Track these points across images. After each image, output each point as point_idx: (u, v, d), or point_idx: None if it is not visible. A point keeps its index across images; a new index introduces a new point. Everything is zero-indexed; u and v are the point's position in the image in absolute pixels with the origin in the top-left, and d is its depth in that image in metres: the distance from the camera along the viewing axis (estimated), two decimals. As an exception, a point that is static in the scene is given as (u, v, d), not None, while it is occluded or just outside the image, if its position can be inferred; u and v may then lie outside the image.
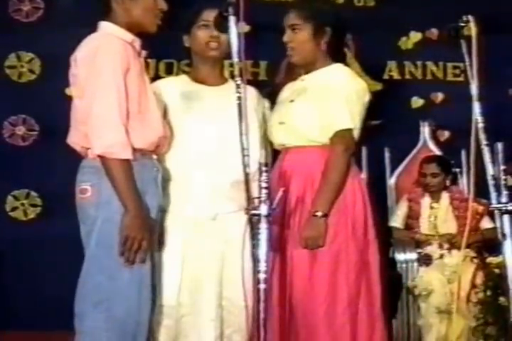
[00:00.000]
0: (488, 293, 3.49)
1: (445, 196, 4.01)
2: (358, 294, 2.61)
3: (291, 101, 2.73)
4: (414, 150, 4.31)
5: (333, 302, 2.58)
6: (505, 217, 2.17)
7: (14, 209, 4.17)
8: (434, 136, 4.40)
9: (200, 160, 2.58)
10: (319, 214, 2.55)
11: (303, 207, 2.62)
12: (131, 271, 2.25)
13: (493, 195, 2.17)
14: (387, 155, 4.22)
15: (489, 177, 2.16)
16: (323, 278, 2.58)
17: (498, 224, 2.20)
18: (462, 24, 2.31)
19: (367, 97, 2.70)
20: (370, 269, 2.66)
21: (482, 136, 2.20)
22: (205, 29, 2.65)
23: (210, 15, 2.60)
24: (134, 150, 2.28)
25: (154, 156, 2.43)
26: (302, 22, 2.69)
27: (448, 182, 4.02)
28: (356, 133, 2.66)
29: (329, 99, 2.62)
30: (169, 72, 4.25)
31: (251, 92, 2.62)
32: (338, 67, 2.71)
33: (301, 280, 2.59)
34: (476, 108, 2.24)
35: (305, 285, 2.58)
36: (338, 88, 2.63)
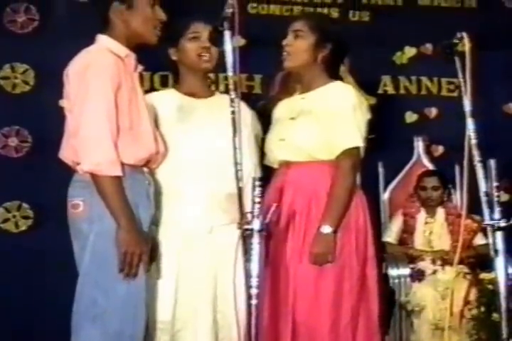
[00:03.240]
0: (482, 309, 3.48)
1: (440, 211, 4.02)
2: (358, 309, 2.65)
3: (292, 118, 2.74)
4: (408, 165, 4.31)
5: (337, 318, 2.61)
6: (498, 234, 2.18)
7: (5, 221, 4.13)
8: (428, 151, 4.40)
9: (193, 172, 2.59)
10: (329, 230, 2.57)
11: (308, 222, 2.65)
12: (126, 285, 2.25)
13: (486, 211, 2.18)
14: (380, 170, 4.23)
15: (482, 194, 2.17)
16: (329, 293, 2.61)
17: (490, 241, 2.20)
18: (456, 41, 2.33)
19: (369, 115, 2.74)
20: (368, 285, 2.69)
21: (475, 153, 2.21)
22: (195, 41, 2.65)
23: (199, 27, 2.62)
24: (125, 165, 2.28)
25: (145, 169, 2.42)
26: (307, 30, 2.73)
27: (445, 197, 4.04)
28: (362, 151, 2.70)
29: (336, 118, 2.65)
30: (164, 84, 4.23)
31: (242, 107, 2.61)
32: (340, 85, 2.74)
33: (306, 296, 2.61)
34: (470, 124, 2.25)
35: (310, 302, 2.60)
36: (344, 107, 2.66)
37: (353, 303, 2.63)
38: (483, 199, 2.18)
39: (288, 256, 2.63)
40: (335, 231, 2.58)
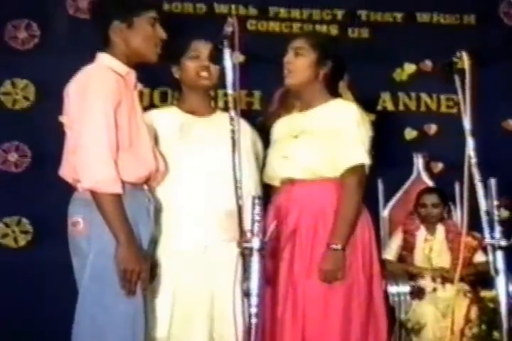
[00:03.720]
0: (483, 327, 3.46)
1: (440, 229, 4.00)
2: (368, 326, 2.66)
3: (295, 136, 2.74)
4: (408, 182, 4.30)
5: (347, 335, 2.61)
6: (498, 253, 2.17)
7: (5, 236, 4.13)
8: (428, 168, 4.39)
9: (193, 190, 2.59)
10: (338, 247, 2.59)
11: (314, 240, 2.65)
12: (125, 303, 2.25)
13: (487, 230, 2.17)
14: (380, 186, 4.22)
15: (482, 213, 2.16)
16: (338, 310, 2.61)
17: (490, 260, 2.19)
18: (455, 59, 2.33)
19: (371, 132, 2.75)
20: (375, 302, 2.70)
21: (475, 172, 2.20)
22: (195, 60, 2.68)
23: (200, 45, 2.64)
24: (125, 182, 2.28)
25: (145, 187, 2.42)
26: (308, 48, 2.74)
27: (445, 214, 4.03)
28: (367, 168, 2.70)
29: (341, 135, 2.66)
30: (164, 100, 4.25)
31: (243, 125, 2.61)
32: (343, 103, 2.75)
33: (316, 313, 2.61)
34: (469, 143, 2.24)
35: (320, 318, 2.60)
36: (349, 124, 2.67)
37: (362, 320, 2.63)
38: (484, 218, 2.17)
39: (295, 274, 2.63)
40: (343, 248, 2.59)
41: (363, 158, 2.67)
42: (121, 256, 2.22)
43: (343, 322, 2.60)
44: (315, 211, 2.67)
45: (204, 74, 2.66)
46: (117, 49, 2.40)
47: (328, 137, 2.66)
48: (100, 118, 2.24)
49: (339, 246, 2.57)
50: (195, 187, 2.59)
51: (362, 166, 2.68)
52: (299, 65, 2.73)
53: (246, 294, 2.07)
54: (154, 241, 2.50)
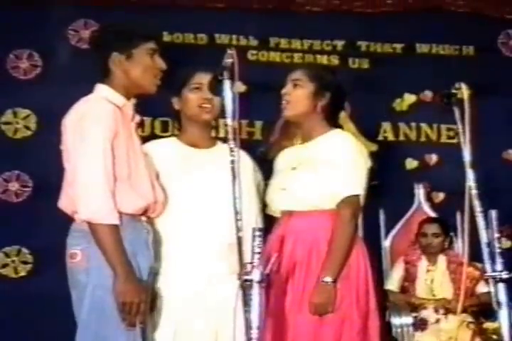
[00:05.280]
0: (487, 359, 3.43)
1: (442, 259, 3.98)
2: None
3: (293, 168, 2.74)
4: (409, 212, 4.30)
5: None
6: (500, 285, 2.15)
7: (4, 266, 4.12)
8: (429, 198, 4.39)
9: (192, 224, 2.56)
10: (329, 280, 2.55)
11: (308, 272, 2.62)
12: (124, 336, 2.22)
13: (488, 262, 2.16)
14: (381, 217, 4.21)
15: (483, 245, 2.15)
16: None
17: (492, 293, 2.18)
18: (454, 91, 2.34)
19: (369, 163, 2.74)
20: (370, 336, 2.64)
21: (476, 203, 2.19)
22: (197, 92, 2.64)
23: (202, 77, 2.61)
24: (122, 213, 2.27)
25: (144, 218, 2.41)
26: (306, 79, 2.74)
27: (446, 244, 4.01)
28: (362, 199, 2.69)
29: (336, 167, 2.64)
30: (165, 130, 4.27)
31: (243, 156, 2.60)
32: (339, 134, 2.75)
33: None
34: (470, 175, 2.24)
35: None
36: (344, 155, 2.66)
37: None
38: (485, 250, 2.16)
39: (288, 306, 2.60)
40: (335, 281, 2.56)
41: (357, 188, 2.65)
42: (119, 288, 2.20)
43: None
44: (309, 242, 2.65)
45: (206, 106, 2.63)
46: (117, 80, 2.40)
47: (324, 168, 2.65)
48: (97, 149, 2.23)
49: (330, 279, 2.54)
50: (195, 220, 2.56)
51: (356, 197, 2.67)
52: (297, 96, 2.73)
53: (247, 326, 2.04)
54: (154, 273, 2.48)
